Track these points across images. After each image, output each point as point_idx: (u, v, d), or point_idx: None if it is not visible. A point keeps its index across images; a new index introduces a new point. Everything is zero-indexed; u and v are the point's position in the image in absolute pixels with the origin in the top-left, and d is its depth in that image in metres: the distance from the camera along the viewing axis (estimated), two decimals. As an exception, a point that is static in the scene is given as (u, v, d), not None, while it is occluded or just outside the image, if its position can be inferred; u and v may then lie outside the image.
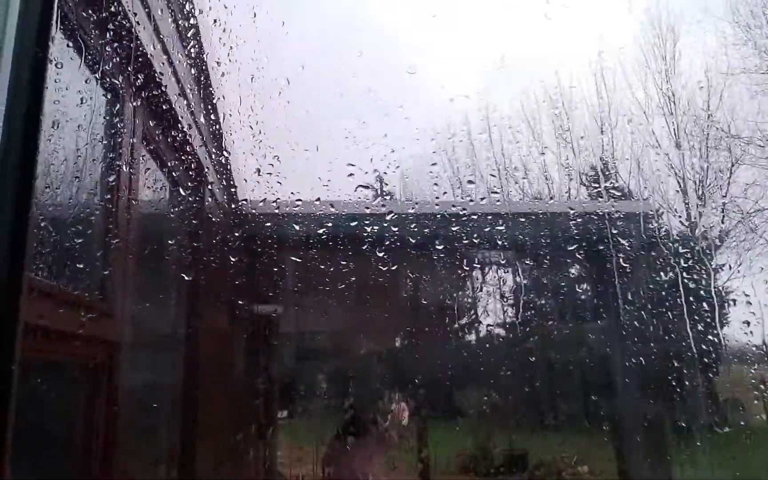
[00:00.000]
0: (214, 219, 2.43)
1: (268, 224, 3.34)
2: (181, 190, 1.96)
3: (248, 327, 4.16)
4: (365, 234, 3.92)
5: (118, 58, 1.59)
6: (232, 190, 2.63)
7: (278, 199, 3.42)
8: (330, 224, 3.66)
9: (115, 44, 1.56)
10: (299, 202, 3.55)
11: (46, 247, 1.34)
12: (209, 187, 2.25)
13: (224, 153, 2.34)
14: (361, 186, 3.47)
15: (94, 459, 1.44)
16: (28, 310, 1.14)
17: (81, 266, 1.41)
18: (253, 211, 3.48)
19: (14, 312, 0.82)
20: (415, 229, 4.05)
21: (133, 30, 1.61)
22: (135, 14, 1.64)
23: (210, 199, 2.34)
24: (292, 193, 3.48)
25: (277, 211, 3.50)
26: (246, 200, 3.49)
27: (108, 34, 1.52)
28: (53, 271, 1.30)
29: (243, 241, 3.30)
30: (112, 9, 1.55)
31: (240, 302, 3.39)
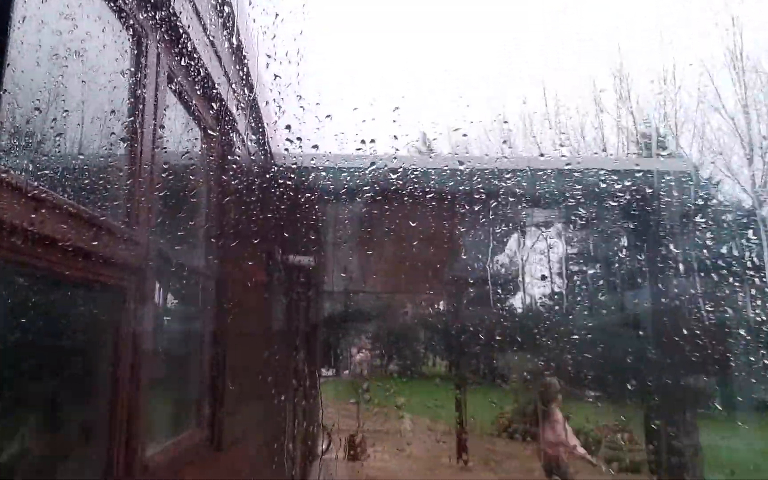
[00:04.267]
0: (245, 166, 2.49)
1: (311, 176, 3.40)
2: (210, 133, 2.01)
3: (288, 279, 4.26)
4: (410, 190, 3.91)
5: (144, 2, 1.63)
6: (264, 138, 2.68)
7: (317, 153, 3.45)
8: (374, 180, 3.67)
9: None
10: (340, 157, 3.57)
11: (72, 175, 1.42)
12: (240, 133, 2.30)
13: (254, 100, 2.38)
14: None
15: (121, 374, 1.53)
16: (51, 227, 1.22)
17: (108, 195, 1.50)
18: (293, 163, 3.53)
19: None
20: (465, 187, 4.00)
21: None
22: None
23: (241, 146, 2.39)
24: (331, 147, 3.51)
25: (314, 163, 3.54)
26: (287, 150, 3.54)
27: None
28: (84, 197, 1.38)
29: (280, 191, 3.36)
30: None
31: (277, 252, 3.47)
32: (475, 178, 3.93)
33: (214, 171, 2.09)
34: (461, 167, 3.90)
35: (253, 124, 2.49)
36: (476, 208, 4.44)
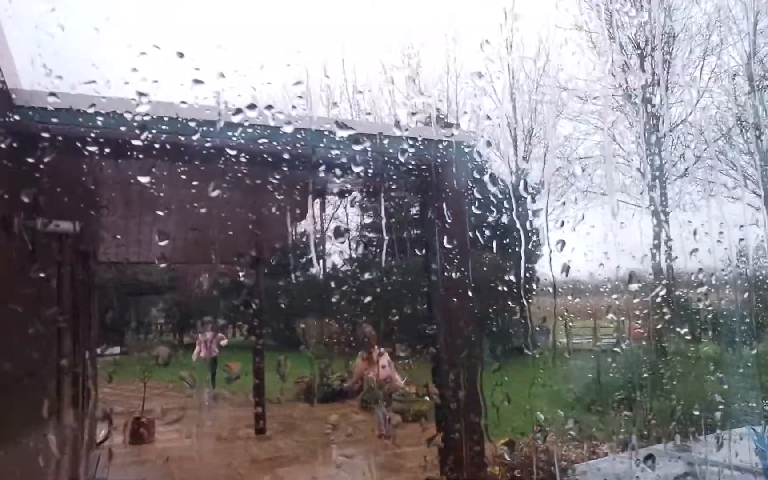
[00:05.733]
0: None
1: (54, 120, 2.77)
2: None
3: (43, 249, 3.52)
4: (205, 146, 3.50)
5: None
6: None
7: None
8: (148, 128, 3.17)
9: None
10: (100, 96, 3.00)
11: None
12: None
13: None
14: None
15: None
16: None
17: None
18: (50, 105, 2.87)
19: None
20: (253, 145, 3.69)
21: None
22: None
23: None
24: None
25: (60, 103, 2.92)
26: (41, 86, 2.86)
27: None
28: None
29: (14, 136, 2.69)
30: None
31: (19, 216, 2.80)
32: (274, 140, 3.71)
33: None
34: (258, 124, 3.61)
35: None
36: (275, 172, 4.24)
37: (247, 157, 3.49)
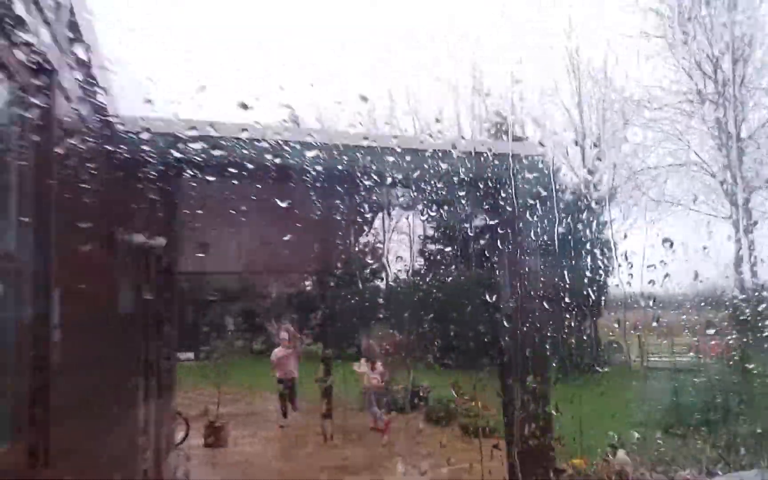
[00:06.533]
0: (73, 130, 2.13)
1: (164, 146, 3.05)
2: (22, 92, 1.66)
3: (135, 261, 3.84)
4: (271, 164, 3.69)
5: None
6: (99, 97, 2.31)
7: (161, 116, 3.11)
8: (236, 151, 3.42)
9: None
10: (192, 124, 3.26)
11: None
12: (63, 91, 1.94)
13: (84, 52, 2.03)
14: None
15: None
16: None
17: None
18: (138, 130, 3.15)
19: None
20: (322, 163, 3.86)
21: None
22: None
23: (67, 104, 2.04)
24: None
25: (164, 130, 3.20)
26: (141, 117, 3.16)
27: None
28: None
29: (122, 161, 2.98)
30: None
31: (119, 232, 3.09)
32: (343, 156, 3.85)
33: (34, 138, 1.75)
34: (328, 143, 3.78)
35: (87, 86, 2.14)
36: (342, 188, 4.39)
37: (315, 174, 3.65)
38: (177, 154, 3.23)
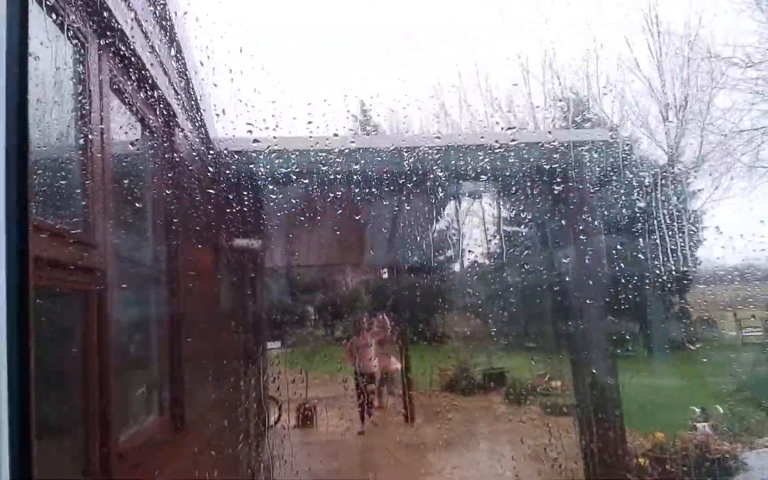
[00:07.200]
0: (186, 157, 2.55)
1: (250, 162, 3.47)
2: (151, 130, 2.07)
3: (234, 262, 4.33)
4: (349, 169, 4.03)
5: (81, 7, 1.66)
6: (204, 129, 2.73)
7: (254, 136, 3.52)
8: (313, 160, 3.78)
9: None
10: (275, 139, 3.65)
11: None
12: (180, 127, 2.35)
13: (193, 94, 2.43)
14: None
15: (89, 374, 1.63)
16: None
17: (61, 203, 1.55)
18: (232, 149, 3.58)
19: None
20: (399, 163, 4.15)
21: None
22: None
23: (182, 138, 2.45)
24: (268, 127, 3.57)
25: (257, 146, 3.61)
26: (230, 138, 3.59)
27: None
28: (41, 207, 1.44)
29: (223, 177, 3.42)
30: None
31: (221, 237, 3.55)
32: (412, 157, 4.11)
33: (161, 167, 2.16)
34: (401, 145, 4.06)
35: (197, 119, 2.55)
36: (412, 183, 4.65)
37: (389, 175, 3.94)
38: (265, 168, 3.64)
